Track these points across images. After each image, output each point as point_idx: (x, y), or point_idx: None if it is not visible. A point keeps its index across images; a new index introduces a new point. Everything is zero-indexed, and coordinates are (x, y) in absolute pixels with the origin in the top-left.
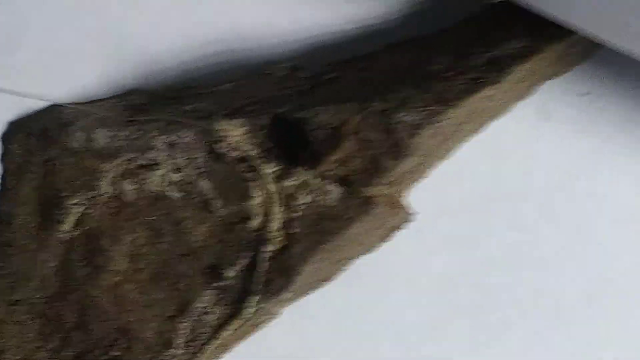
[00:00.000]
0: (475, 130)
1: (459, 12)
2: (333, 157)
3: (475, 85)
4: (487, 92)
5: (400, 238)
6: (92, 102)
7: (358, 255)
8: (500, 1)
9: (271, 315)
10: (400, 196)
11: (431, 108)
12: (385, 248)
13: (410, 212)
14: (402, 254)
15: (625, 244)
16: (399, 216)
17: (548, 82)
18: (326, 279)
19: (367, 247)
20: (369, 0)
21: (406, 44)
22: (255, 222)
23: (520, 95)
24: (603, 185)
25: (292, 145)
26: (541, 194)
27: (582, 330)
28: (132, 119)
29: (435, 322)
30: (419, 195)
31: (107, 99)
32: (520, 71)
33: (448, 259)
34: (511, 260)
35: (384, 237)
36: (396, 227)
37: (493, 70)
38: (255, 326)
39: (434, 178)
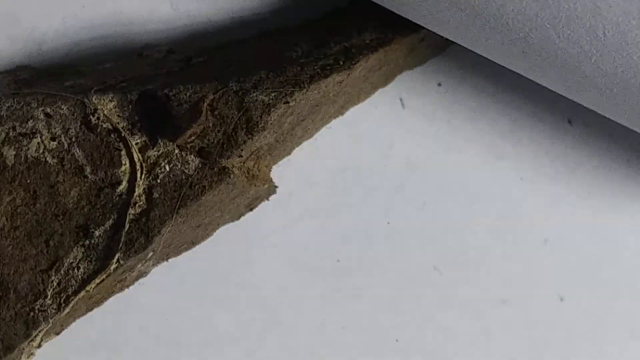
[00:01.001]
0: (334, 113)
1: (324, 5)
2: (191, 131)
3: (326, 70)
4: (337, 77)
5: (263, 209)
6: None
7: (222, 222)
8: None
9: (138, 273)
10: (259, 169)
11: (282, 89)
12: (250, 217)
13: (272, 185)
14: (266, 224)
15: (472, 222)
16: (260, 188)
17: (404, 73)
18: (191, 242)
19: (230, 215)
20: None
21: (273, 34)
22: (121, 187)
23: (376, 84)
24: (450, 169)
25: (156, 119)
26: (394, 175)
27: (429, 300)
28: (16, 91)
29: (293, 289)
30: (283, 170)
31: None
32: (371, 60)
33: (308, 229)
34: (364, 233)
35: (247, 207)
36: (258, 198)
37: (344, 58)
38: (121, 282)
39: (298, 155)
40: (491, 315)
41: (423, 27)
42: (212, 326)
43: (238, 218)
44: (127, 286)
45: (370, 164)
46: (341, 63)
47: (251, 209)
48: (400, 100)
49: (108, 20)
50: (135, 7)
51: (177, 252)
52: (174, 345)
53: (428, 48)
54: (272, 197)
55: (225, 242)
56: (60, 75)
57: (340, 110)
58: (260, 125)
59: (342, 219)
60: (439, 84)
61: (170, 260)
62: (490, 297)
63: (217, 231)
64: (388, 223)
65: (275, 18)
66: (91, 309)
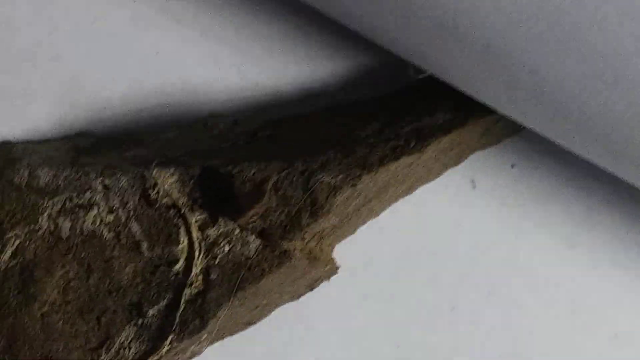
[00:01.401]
0: (402, 193)
1: (394, 82)
2: (254, 211)
3: (396, 152)
4: (407, 160)
5: (325, 288)
6: (42, 141)
7: (281, 303)
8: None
9: (190, 353)
10: (321, 250)
11: (350, 171)
12: (310, 296)
13: (334, 265)
14: (325, 304)
15: (540, 311)
16: (321, 269)
17: (476, 153)
18: (247, 322)
19: (290, 296)
20: (312, 65)
21: (341, 109)
22: (178, 266)
23: (447, 164)
24: (520, 255)
25: (218, 196)
26: (462, 259)
27: None
28: (75, 160)
29: None
30: (345, 250)
31: (55, 139)
32: (443, 142)
33: (368, 312)
34: (428, 320)
35: (307, 287)
36: (319, 279)
37: (415, 140)
38: None
39: (362, 235)
40: None
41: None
42: None
43: (297, 298)
44: None
45: (437, 246)
46: (412, 145)
47: (311, 289)
48: (472, 180)
49: (173, 87)
50: (201, 75)
51: (232, 332)
52: None
53: (503, 129)
54: (333, 277)
55: (282, 322)
56: (122, 143)
57: (408, 190)
58: (325, 209)
59: (405, 302)
60: (513, 166)
61: (225, 339)
62: None
63: (274, 311)
64: (453, 309)
65: (345, 92)
66: None
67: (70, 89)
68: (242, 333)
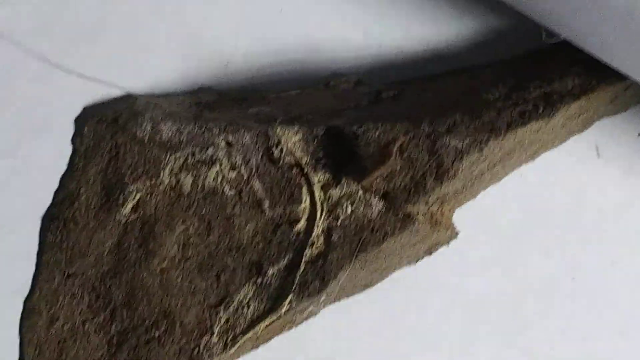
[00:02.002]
0: (525, 159)
1: (520, 46)
2: (378, 173)
3: (524, 117)
4: (536, 125)
5: (442, 254)
6: (164, 95)
7: (398, 267)
8: (559, 41)
9: (308, 314)
10: (442, 215)
11: (477, 136)
12: (427, 262)
13: (454, 230)
14: (442, 270)
15: None
16: (441, 234)
17: (601, 120)
18: (365, 285)
19: (408, 260)
20: (437, 25)
21: (466, 71)
22: (299, 226)
23: (572, 130)
24: None
25: (342, 157)
26: (584, 227)
27: None
28: (198, 115)
29: (468, 340)
30: (465, 215)
31: (178, 94)
32: (572, 108)
33: (485, 280)
34: (546, 290)
35: (426, 252)
36: (438, 244)
37: (544, 105)
38: (291, 323)
39: (482, 200)
40: None
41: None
42: None
43: (415, 262)
44: (296, 326)
45: (559, 213)
46: (541, 110)
47: (430, 254)
48: (596, 148)
49: (297, 45)
50: (325, 34)
51: (350, 294)
52: None
53: (632, 97)
54: (452, 242)
55: (400, 286)
56: (244, 100)
57: (532, 156)
58: (451, 173)
59: (525, 269)
60: (639, 134)
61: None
62: None
63: (391, 274)
64: (573, 278)
65: (471, 54)
66: (257, 347)
67: (193, 44)
68: (357, 296)
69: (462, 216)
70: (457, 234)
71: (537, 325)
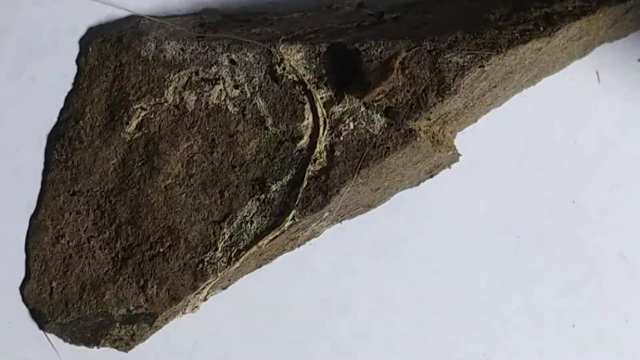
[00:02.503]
0: (526, 82)
1: None
2: (380, 89)
3: (525, 35)
4: (536, 44)
5: (444, 177)
6: (168, 16)
7: (400, 187)
8: None
9: (311, 232)
10: (444, 135)
11: (478, 52)
12: (430, 184)
13: (456, 152)
14: (444, 194)
15: None
16: (443, 154)
17: (602, 46)
18: (367, 205)
19: (410, 180)
20: None
21: None
22: (302, 142)
23: (573, 54)
24: None
25: (344, 74)
26: (584, 152)
27: (612, 288)
28: (202, 35)
29: (469, 263)
30: (467, 139)
31: (182, 15)
32: (572, 29)
33: (488, 202)
34: (548, 213)
35: (428, 173)
36: (440, 165)
37: (545, 24)
38: (293, 240)
39: (485, 123)
40: None
41: None
42: (381, 294)
43: (417, 184)
44: (299, 245)
45: (560, 138)
46: (541, 29)
47: (432, 176)
48: (597, 73)
49: None
50: None
51: (352, 214)
52: (340, 311)
53: (632, 21)
54: (454, 165)
55: (402, 208)
56: (247, 21)
57: (533, 80)
58: (452, 88)
59: (526, 194)
60: (639, 60)
61: (343, 222)
62: None
63: (394, 196)
64: (573, 202)
65: None
66: (260, 266)
67: None
68: (359, 217)
69: (464, 139)
70: (459, 156)
71: (538, 249)
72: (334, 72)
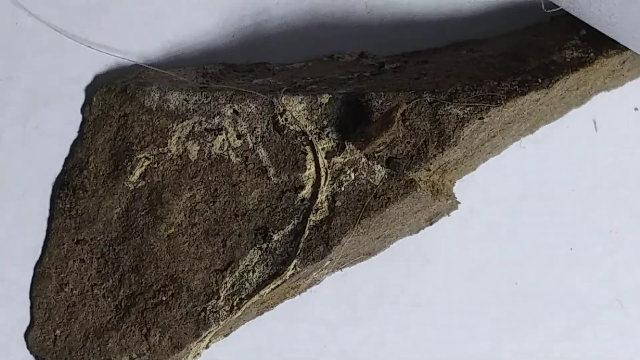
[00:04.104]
0: (524, 131)
1: (525, 18)
2: (381, 140)
3: (523, 87)
4: (535, 95)
5: (444, 224)
6: (172, 66)
7: (401, 235)
8: (559, 14)
9: (312, 280)
10: (443, 184)
11: (477, 104)
12: (430, 232)
13: (455, 200)
14: (443, 241)
15: None
16: (442, 203)
17: (600, 94)
18: (367, 253)
19: (410, 228)
20: None
21: (469, 44)
22: (304, 192)
23: (571, 104)
24: None
25: (345, 125)
26: (581, 199)
27: (609, 334)
28: (204, 85)
29: (467, 310)
30: (466, 186)
31: (186, 65)
32: (570, 80)
33: (486, 249)
34: (546, 260)
35: (427, 221)
36: (439, 213)
37: (543, 75)
38: (295, 289)
39: (483, 171)
40: None
41: (627, 49)
42: (381, 342)
43: (417, 231)
44: (300, 293)
45: (557, 185)
46: (540, 81)
47: (431, 224)
48: (594, 122)
49: (301, 18)
50: (329, 7)
51: (353, 262)
52: (339, 357)
53: (629, 70)
54: (453, 213)
55: (402, 255)
56: (250, 71)
57: (531, 129)
58: (452, 140)
59: (524, 240)
60: (636, 109)
61: (344, 269)
62: None
63: (394, 244)
64: (571, 249)
65: (472, 27)
66: (261, 313)
67: (200, 15)
68: (360, 264)
69: (463, 187)
70: (457, 204)
71: (536, 295)
72: (336, 123)
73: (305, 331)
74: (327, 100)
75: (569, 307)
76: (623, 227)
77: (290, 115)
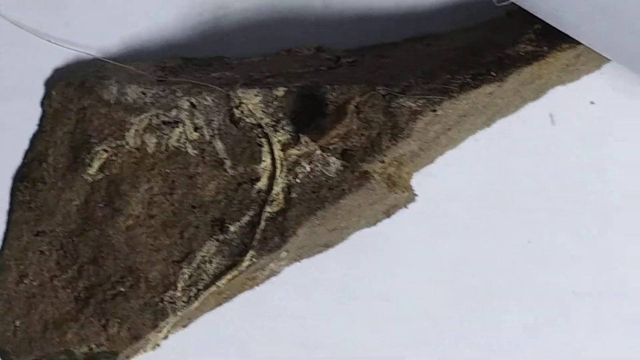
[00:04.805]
0: (481, 124)
1: (481, 14)
2: (335, 132)
3: (476, 80)
4: (488, 88)
5: (403, 218)
6: (130, 60)
7: (358, 227)
8: (513, 9)
9: (270, 271)
10: (400, 177)
11: (430, 97)
12: (388, 225)
13: (412, 193)
14: (404, 234)
15: (610, 247)
16: (399, 196)
17: (556, 88)
18: (325, 245)
19: (367, 221)
20: None
21: (424, 39)
22: (260, 184)
23: (526, 97)
24: (598, 191)
25: (300, 118)
26: (540, 193)
27: (575, 330)
28: (162, 79)
29: (427, 302)
30: (425, 180)
31: (144, 58)
32: (524, 73)
33: (449, 243)
34: (505, 253)
35: (384, 213)
36: (396, 206)
37: (496, 69)
38: (252, 280)
39: (441, 165)
40: (631, 344)
41: (580, 43)
42: (342, 334)
43: (374, 224)
44: (258, 284)
45: (515, 179)
46: (493, 74)
47: (388, 216)
48: (550, 116)
49: (260, 13)
50: (287, 2)
51: (310, 254)
52: (301, 349)
53: (584, 65)
54: (410, 206)
55: (359, 247)
56: (208, 65)
57: (488, 122)
58: (405, 132)
59: (482, 234)
60: (592, 102)
61: (302, 261)
62: (631, 326)
63: (354, 235)
64: (529, 242)
65: (429, 23)
66: (220, 304)
67: (159, 8)
68: (318, 256)
69: (421, 180)
70: (415, 196)
71: (495, 289)
72: (291, 115)
73: (264, 322)
74: (282, 94)
75: (527, 299)
76: (579, 220)
77: (246, 108)
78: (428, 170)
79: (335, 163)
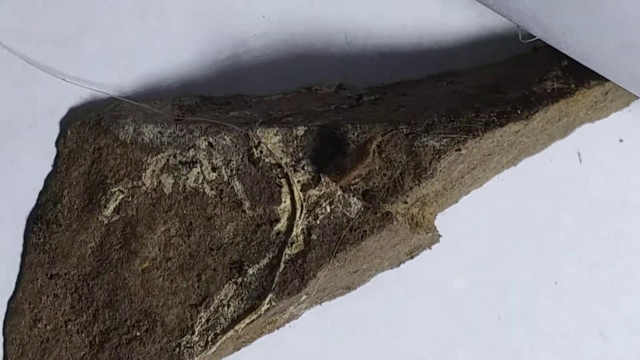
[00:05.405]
0: (506, 163)
1: (506, 51)
2: (356, 172)
3: (502, 118)
4: (514, 127)
5: (426, 257)
6: (147, 99)
7: (380, 269)
8: (541, 45)
9: (289, 315)
10: (424, 217)
11: (454, 135)
12: (411, 264)
13: (436, 233)
14: (425, 274)
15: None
16: (423, 236)
17: (583, 126)
18: (347, 287)
19: (390, 262)
20: (418, 32)
21: (447, 76)
22: (279, 225)
23: (553, 135)
24: (626, 230)
25: (321, 158)
26: (565, 232)
27: None
28: (180, 118)
29: (449, 343)
30: (449, 219)
31: (161, 97)
32: (551, 111)
33: (469, 282)
34: (530, 293)
35: (408, 255)
36: (420, 247)
37: (522, 107)
38: (272, 324)
39: (465, 205)
40: None
41: (608, 80)
42: None
43: (398, 265)
44: (277, 327)
45: (541, 218)
46: (519, 112)
47: (412, 257)
48: (578, 154)
49: (280, 50)
50: (308, 39)
51: (332, 296)
52: None
53: (612, 101)
54: (434, 246)
55: (382, 288)
56: (226, 104)
57: (514, 161)
58: (428, 172)
59: (507, 274)
60: (621, 140)
61: (323, 303)
62: None
63: (374, 277)
64: (555, 283)
65: (452, 60)
66: (238, 349)
67: (177, 48)
68: (340, 298)
69: (446, 220)
70: (439, 237)
71: (519, 328)
72: (311, 155)
73: None
74: (302, 133)
75: (551, 339)
76: (606, 260)
77: (265, 148)
78: (452, 209)
79: (356, 204)
